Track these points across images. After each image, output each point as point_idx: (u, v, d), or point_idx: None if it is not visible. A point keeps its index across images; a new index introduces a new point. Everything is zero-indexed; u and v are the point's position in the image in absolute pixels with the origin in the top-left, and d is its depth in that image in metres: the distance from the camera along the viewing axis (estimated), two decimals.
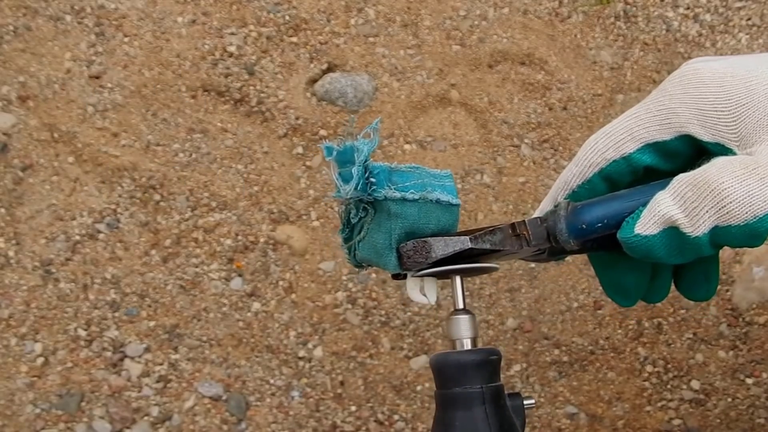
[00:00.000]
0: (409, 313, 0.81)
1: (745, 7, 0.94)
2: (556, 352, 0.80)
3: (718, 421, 0.77)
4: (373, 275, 0.82)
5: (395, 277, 0.39)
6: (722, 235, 0.34)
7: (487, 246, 0.36)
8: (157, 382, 0.77)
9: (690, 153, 0.39)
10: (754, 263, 0.81)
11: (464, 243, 0.36)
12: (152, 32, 0.90)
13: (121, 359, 0.78)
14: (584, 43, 0.93)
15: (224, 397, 0.77)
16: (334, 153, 0.35)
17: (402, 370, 0.79)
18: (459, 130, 0.88)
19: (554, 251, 0.40)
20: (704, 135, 0.38)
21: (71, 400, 0.76)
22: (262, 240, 0.83)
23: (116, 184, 0.84)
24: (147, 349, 0.78)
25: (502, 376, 0.81)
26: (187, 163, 0.85)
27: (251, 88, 0.88)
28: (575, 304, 0.82)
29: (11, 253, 0.80)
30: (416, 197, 0.36)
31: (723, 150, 0.37)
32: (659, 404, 0.78)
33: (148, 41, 0.89)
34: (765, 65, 0.37)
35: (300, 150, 0.87)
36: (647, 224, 0.35)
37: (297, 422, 0.77)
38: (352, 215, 0.37)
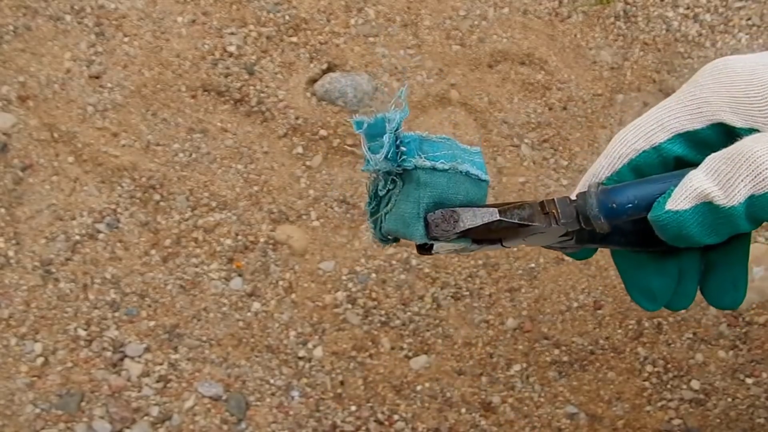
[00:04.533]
0: (409, 313, 0.81)
1: (745, 7, 0.94)
2: (556, 352, 0.80)
3: (718, 421, 0.77)
4: (373, 275, 0.82)
5: (420, 249, 0.38)
6: (759, 205, 0.34)
7: (516, 220, 0.35)
8: (157, 382, 0.77)
9: (721, 143, 0.38)
10: (754, 263, 0.81)
11: (492, 214, 0.35)
12: (152, 32, 0.90)
13: (121, 359, 0.78)
14: (584, 43, 0.93)
15: (224, 397, 0.77)
16: (365, 126, 0.35)
17: (402, 370, 0.79)
18: (459, 130, 0.88)
19: (582, 237, 0.39)
20: (737, 121, 0.37)
21: (71, 400, 0.76)
22: (262, 240, 0.83)
23: (116, 184, 0.84)
24: (147, 349, 0.78)
25: (502, 376, 0.81)
26: (187, 163, 0.85)
27: (251, 88, 0.88)
28: (575, 304, 0.82)
29: (11, 253, 0.80)
30: (446, 167, 0.35)
31: None
32: (659, 404, 0.78)
33: (148, 41, 0.89)
34: None
35: (300, 150, 0.87)
36: (679, 200, 0.35)
37: (297, 422, 0.77)
38: (380, 187, 0.36)
